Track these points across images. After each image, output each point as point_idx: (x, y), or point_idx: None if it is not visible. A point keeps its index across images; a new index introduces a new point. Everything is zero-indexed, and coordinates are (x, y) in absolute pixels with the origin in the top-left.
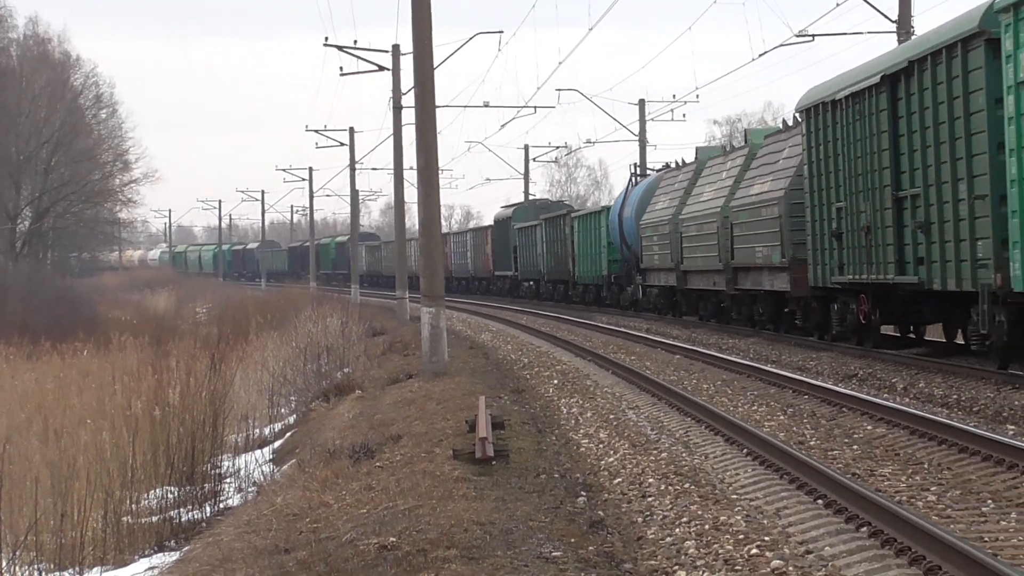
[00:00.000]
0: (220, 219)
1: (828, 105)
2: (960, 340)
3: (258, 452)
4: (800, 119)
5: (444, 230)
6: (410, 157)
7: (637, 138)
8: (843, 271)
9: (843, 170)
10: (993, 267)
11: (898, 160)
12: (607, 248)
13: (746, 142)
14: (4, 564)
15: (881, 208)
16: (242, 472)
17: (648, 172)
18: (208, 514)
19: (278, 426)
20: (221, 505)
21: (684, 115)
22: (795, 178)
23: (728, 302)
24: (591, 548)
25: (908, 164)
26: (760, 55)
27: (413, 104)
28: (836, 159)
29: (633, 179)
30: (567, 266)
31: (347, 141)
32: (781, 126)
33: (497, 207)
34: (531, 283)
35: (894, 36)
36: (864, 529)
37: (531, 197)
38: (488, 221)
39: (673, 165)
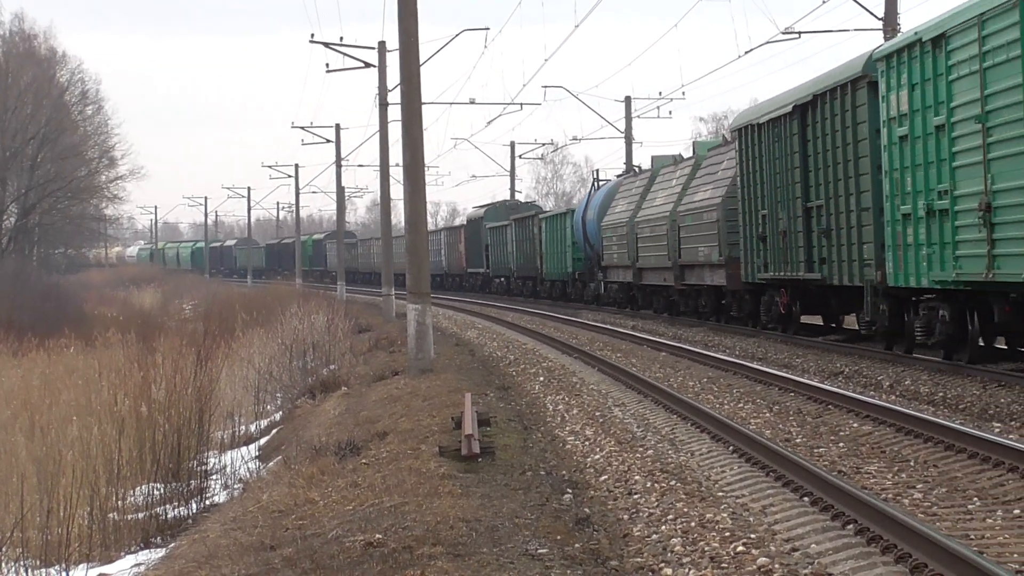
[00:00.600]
0: (206, 216)
1: (754, 127)
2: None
3: (244, 449)
4: (733, 137)
5: (430, 227)
6: (396, 154)
7: (623, 135)
8: (767, 269)
9: (766, 183)
10: (875, 266)
11: (807, 176)
12: (572, 247)
13: (694, 153)
14: None
15: (795, 216)
16: (228, 469)
17: (635, 168)
18: (194, 511)
19: (264, 423)
20: (207, 502)
21: (670, 112)
22: (731, 187)
23: (677, 296)
24: (577, 545)
25: (815, 180)
26: (746, 52)
27: (399, 101)
28: (761, 173)
29: (595, 184)
30: (535, 263)
31: (333, 138)
32: (722, 140)
33: (484, 203)
34: (502, 279)
35: (880, 33)
36: (850, 527)
37: (503, 199)
38: (607, 179)
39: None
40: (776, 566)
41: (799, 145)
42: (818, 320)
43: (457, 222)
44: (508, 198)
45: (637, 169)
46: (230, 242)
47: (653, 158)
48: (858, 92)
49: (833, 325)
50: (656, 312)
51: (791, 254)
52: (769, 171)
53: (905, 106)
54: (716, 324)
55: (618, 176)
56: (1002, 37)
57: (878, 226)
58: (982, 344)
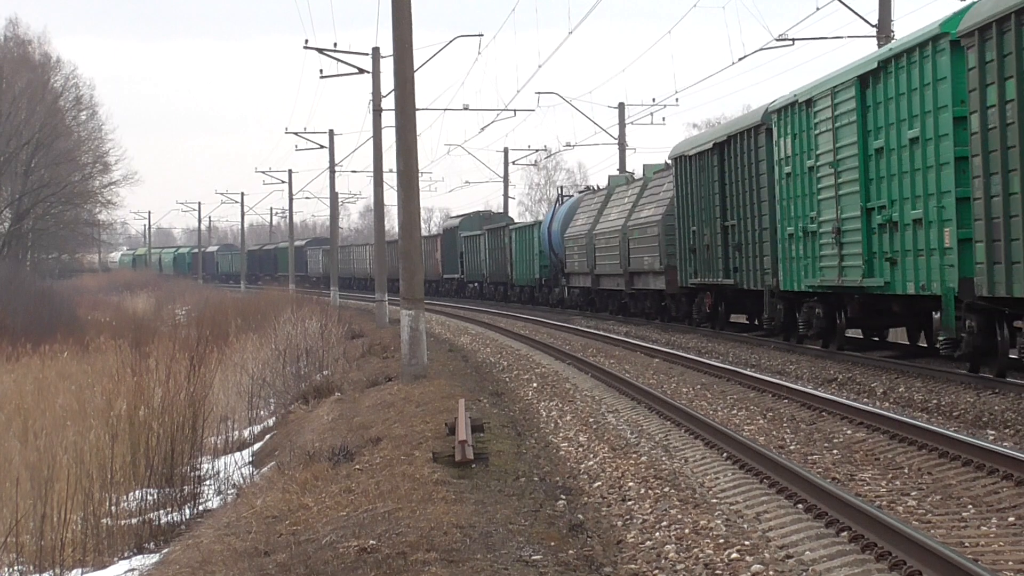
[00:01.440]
0: (200, 221)
1: (686, 158)
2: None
3: (238, 454)
4: (671, 164)
5: (424, 233)
6: (390, 159)
7: (617, 141)
8: (696, 275)
9: (695, 204)
10: (772, 274)
11: (724, 200)
12: (539, 256)
13: (644, 175)
14: None
15: (716, 232)
16: (222, 474)
17: (632, 173)
18: (188, 516)
19: (257, 428)
20: (201, 507)
21: (664, 119)
22: (669, 206)
23: (628, 299)
24: (571, 552)
25: (730, 204)
26: (740, 59)
27: (393, 107)
28: (691, 196)
29: (560, 199)
30: (506, 270)
31: (327, 144)
32: (664, 165)
33: (475, 209)
34: (475, 284)
35: (874, 40)
36: (844, 534)
37: (477, 210)
38: (571, 195)
39: (593, 188)
40: (770, 573)
41: (718, 175)
42: (743, 318)
43: (433, 231)
44: (481, 209)
45: (630, 174)
46: (211, 248)
47: (610, 177)
48: (759, 136)
49: (756, 322)
50: (612, 313)
51: (713, 263)
52: (697, 195)
53: (789, 150)
54: (661, 323)
55: (579, 192)
56: (846, 105)
57: (773, 243)
58: (851, 336)
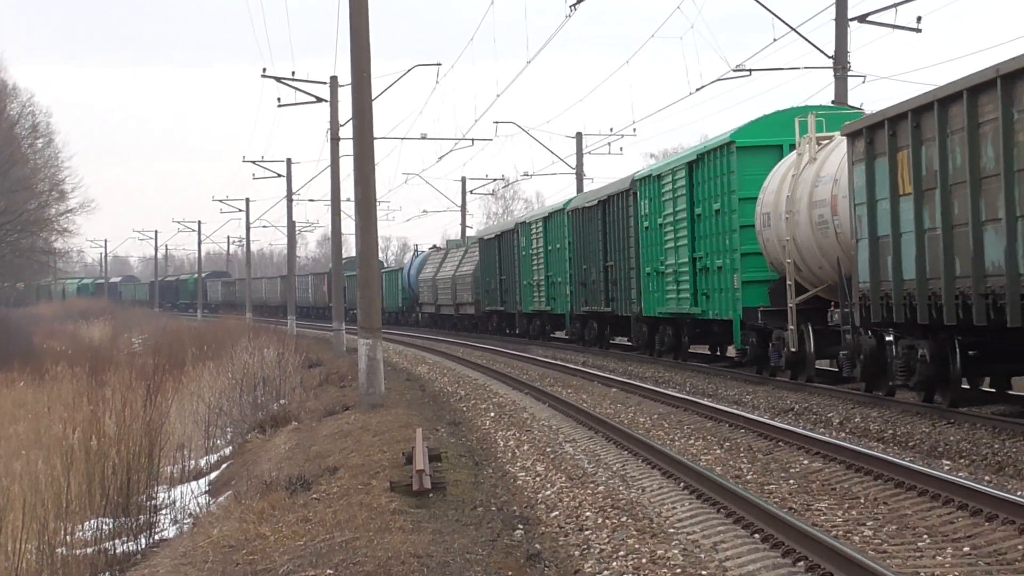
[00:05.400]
0: (156, 249)
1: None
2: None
3: (194, 483)
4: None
5: (317, 270)
6: (348, 188)
7: (574, 171)
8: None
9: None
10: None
11: (605, 245)
12: (402, 291)
13: (466, 243)
14: None
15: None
16: (178, 503)
17: (466, 237)
18: (144, 546)
19: (214, 457)
20: (157, 537)
21: (621, 148)
22: (477, 265)
23: (456, 320)
24: None
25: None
26: (697, 89)
27: (351, 136)
28: (583, 240)
29: (416, 253)
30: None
31: (284, 172)
32: (468, 238)
33: (435, 239)
34: (355, 311)
35: (830, 71)
36: (801, 563)
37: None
38: (423, 251)
39: (443, 245)
40: None
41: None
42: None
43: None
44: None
45: (460, 240)
46: (115, 279)
47: (447, 240)
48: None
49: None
50: (447, 329)
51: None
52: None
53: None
54: (467, 334)
55: (429, 249)
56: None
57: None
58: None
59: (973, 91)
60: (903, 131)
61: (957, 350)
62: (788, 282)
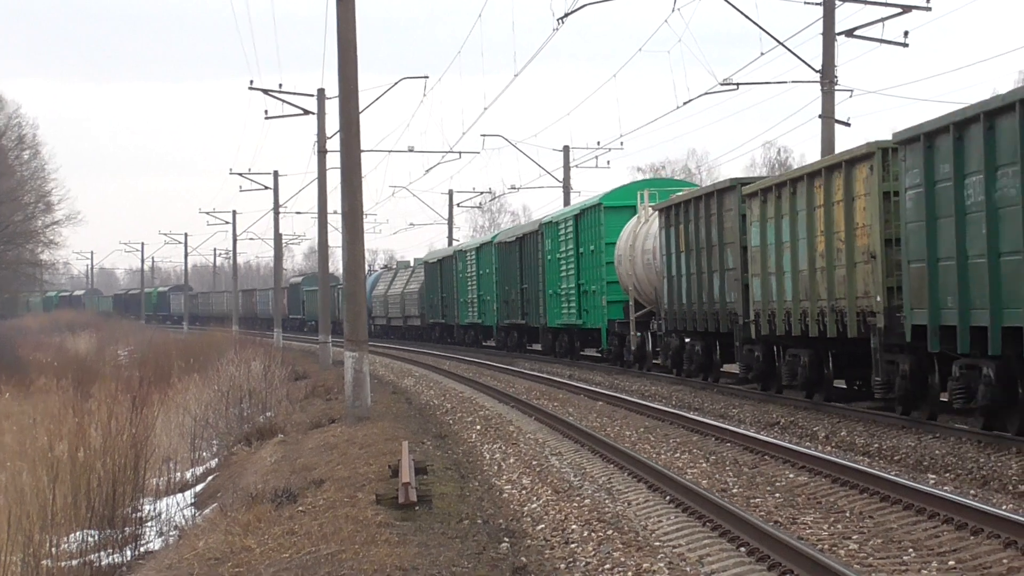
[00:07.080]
0: (143, 262)
1: (504, 243)
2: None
3: (180, 496)
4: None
5: (294, 282)
6: (334, 201)
7: (561, 184)
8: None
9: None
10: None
11: (521, 273)
12: None
13: (413, 264)
14: None
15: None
16: (164, 516)
17: (410, 260)
18: (129, 558)
19: (200, 470)
20: (142, 549)
21: (608, 162)
22: (423, 284)
23: (405, 331)
24: None
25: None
26: (685, 103)
27: (338, 148)
28: (505, 267)
29: (369, 272)
30: (335, 313)
31: (271, 184)
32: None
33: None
34: (312, 322)
35: (818, 85)
36: None
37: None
38: (376, 271)
39: (394, 264)
40: None
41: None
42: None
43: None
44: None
45: (408, 262)
46: (79, 292)
47: (396, 261)
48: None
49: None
50: (397, 338)
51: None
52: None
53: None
54: (415, 341)
55: (382, 269)
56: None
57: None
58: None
59: (708, 196)
60: (679, 214)
61: (719, 348)
62: (630, 302)
